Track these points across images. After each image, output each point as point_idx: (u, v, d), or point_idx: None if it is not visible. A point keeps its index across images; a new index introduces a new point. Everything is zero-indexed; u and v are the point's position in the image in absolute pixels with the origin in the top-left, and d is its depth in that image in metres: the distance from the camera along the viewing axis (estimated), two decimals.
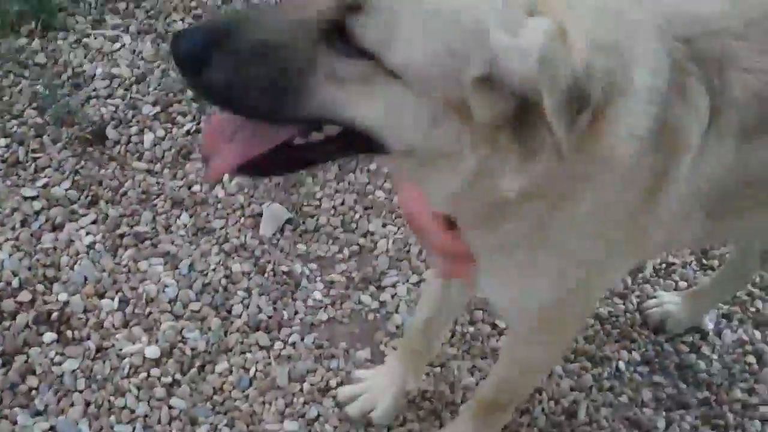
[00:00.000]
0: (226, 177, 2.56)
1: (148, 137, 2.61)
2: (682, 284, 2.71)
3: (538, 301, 1.65)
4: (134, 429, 2.12)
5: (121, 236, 2.38)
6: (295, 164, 1.38)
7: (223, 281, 2.37)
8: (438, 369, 2.32)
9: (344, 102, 1.21)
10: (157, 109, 2.68)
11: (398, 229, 2.59)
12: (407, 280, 2.48)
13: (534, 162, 1.28)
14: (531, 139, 1.23)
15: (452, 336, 2.37)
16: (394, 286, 2.48)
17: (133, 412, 2.15)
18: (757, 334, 2.64)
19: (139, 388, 2.18)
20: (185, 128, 2.66)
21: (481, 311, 2.43)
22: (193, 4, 3.00)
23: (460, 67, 1.17)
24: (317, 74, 1.19)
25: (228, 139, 1.31)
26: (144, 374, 2.20)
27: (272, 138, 1.29)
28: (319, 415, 2.21)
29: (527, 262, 1.56)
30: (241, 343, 2.30)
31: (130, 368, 2.20)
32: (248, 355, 2.28)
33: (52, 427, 2.10)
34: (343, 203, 2.63)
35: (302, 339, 2.34)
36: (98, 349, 2.23)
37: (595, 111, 1.28)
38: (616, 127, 1.35)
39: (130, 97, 2.69)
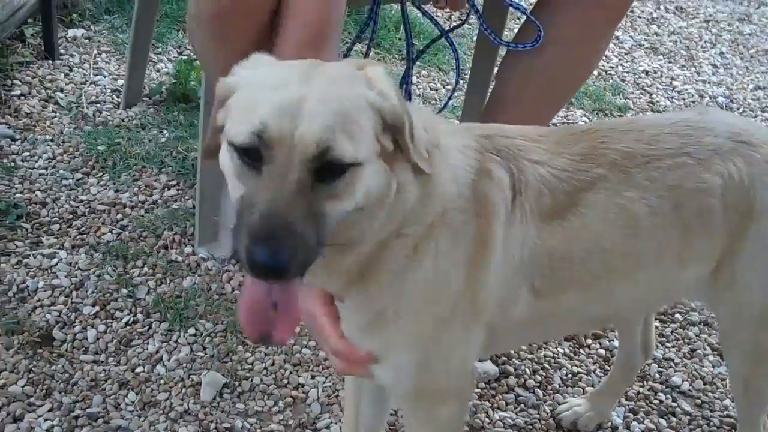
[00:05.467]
0: (165, 356, 2.85)
1: (91, 333, 2.88)
2: (589, 389, 3.00)
3: (409, 368, 1.85)
4: None
5: (76, 418, 2.59)
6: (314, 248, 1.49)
7: None
8: None
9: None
10: (97, 308, 2.98)
11: (326, 378, 2.87)
12: (339, 420, 2.72)
13: (418, 177, 1.65)
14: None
15: None
16: (328, 427, 2.71)
17: None
18: (663, 422, 2.93)
19: None
20: (123, 321, 2.95)
21: None
22: (119, 216, 3.37)
23: (376, 130, 1.54)
24: (318, 192, 1.46)
25: (273, 308, 1.51)
26: None
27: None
28: None
29: (392, 330, 1.80)
30: None
31: None
32: None
33: None
34: (273, 363, 2.90)
35: None
36: None
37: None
38: (443, 170, 1.71)
39: (71, 302, 2.97)
